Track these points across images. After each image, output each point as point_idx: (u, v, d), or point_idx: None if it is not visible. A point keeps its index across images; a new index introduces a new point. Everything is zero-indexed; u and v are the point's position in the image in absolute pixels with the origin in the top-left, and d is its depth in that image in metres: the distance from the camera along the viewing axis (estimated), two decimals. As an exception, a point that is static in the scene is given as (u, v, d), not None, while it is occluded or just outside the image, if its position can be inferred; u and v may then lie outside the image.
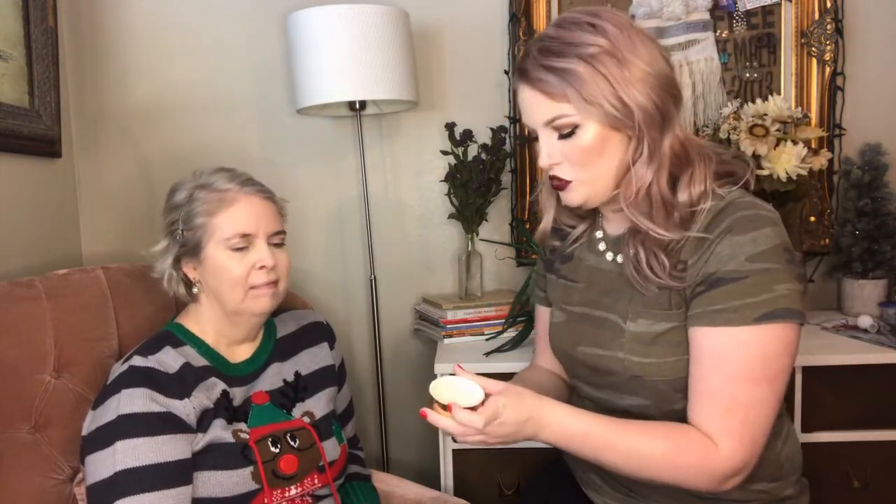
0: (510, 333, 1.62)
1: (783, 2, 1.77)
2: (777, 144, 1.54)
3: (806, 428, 1.42)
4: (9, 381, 1.10)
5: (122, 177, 1.84)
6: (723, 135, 1.61)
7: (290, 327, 1.31)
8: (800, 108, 1.69)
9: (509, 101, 1.83)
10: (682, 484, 0.93)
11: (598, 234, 1.10)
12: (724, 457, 0.90)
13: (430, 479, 1.56)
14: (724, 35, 1.79)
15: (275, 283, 1.15)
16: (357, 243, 1.88)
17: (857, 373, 1.40)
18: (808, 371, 1.40)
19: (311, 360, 1.29)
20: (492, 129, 1.74)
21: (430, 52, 1.83)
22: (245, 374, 1.19)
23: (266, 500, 1.10)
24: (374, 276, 1.77)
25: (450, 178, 1.74)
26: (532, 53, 0.95)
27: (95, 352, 1.21)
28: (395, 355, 1.90)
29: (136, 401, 1.04)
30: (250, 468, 1.09)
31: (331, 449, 1.21)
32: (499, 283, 1.90)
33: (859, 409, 1.42)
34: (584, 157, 0.95)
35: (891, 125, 1.79)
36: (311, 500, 1.18)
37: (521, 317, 1.62)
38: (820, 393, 1.41)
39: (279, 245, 1.18)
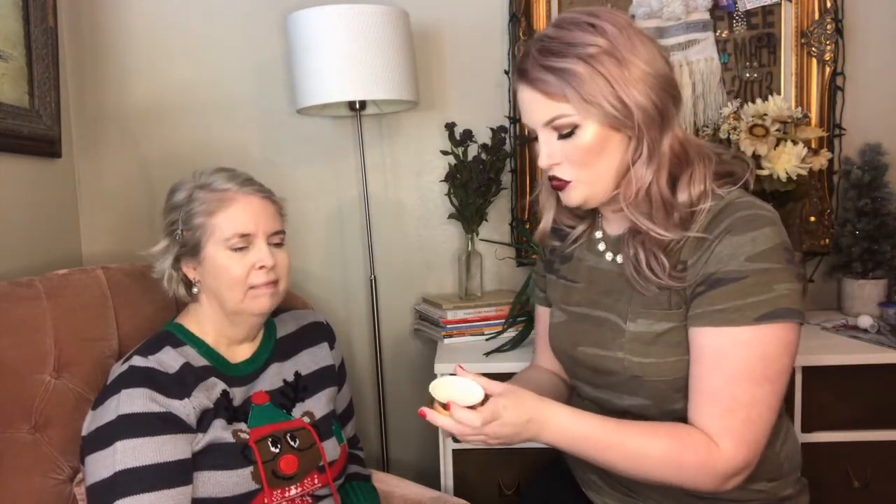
0: (510, 333, 1.62)
1: (783, 2, 1.77)
2: (777, 144, 1.54)
3: (806, 428, 1.42)
4: (9, 381, 1.10)
5: (122, 177, 1.84)
6: (723, 135, 1.61)
7: (290, 327, 1.31)
8: (800, 108, 1.69)
9: (509, 101, 1.83)
10: (684, 484, 0.93)
11: (598, 234, 1.10)
12: (725, 456, 0.90)
13: (430, 479, 1.56)
14: (724, 35, 1.79)
15: (274, 282, 1.15)
16: (357, 243, 1.88)
17: (857, 373, 1.40)
18: (808, 371, 1.40)
19: (311, 360, 1.29)
20: (492, 129, 1.74)
21: (430, 52, 1.83)
22: (245, 374, 1.19)
23: (266, 500, 1.10)
24: (374, 276, 1.77)
25: (450, 178, 1.74)
26: (531, 53, 0.95)
27: (95, 352, 1.21)
28: (395, 355, 1.90)
29: (136, 401, 1.04)
30: (250, 468, 1.09)
31: (331, 449, 1.21)
32: (499, 283, 1.90)
33: (859, 409, 1.42)
34: (583, 157, 0.95)
35: (891, 125, 1.79)
36: (311, 500, 1.18)
37: (521, 317, 1.62)
38: (820, 393, 1.41)
39: (279, 245, 1.17)
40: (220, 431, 1.09)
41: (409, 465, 1.92)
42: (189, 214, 1.13)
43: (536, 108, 0.96)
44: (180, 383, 1.09)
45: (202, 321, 1.18)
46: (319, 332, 1.34)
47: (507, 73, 1.82)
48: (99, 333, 1.23)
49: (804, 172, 1.53)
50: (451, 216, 1.81)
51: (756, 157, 1.53)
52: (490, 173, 1.73)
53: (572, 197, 1.00)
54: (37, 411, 1.12)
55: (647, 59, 0.93)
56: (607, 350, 1.02)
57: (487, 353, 1.53)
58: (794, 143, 1.53)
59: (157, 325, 1.23)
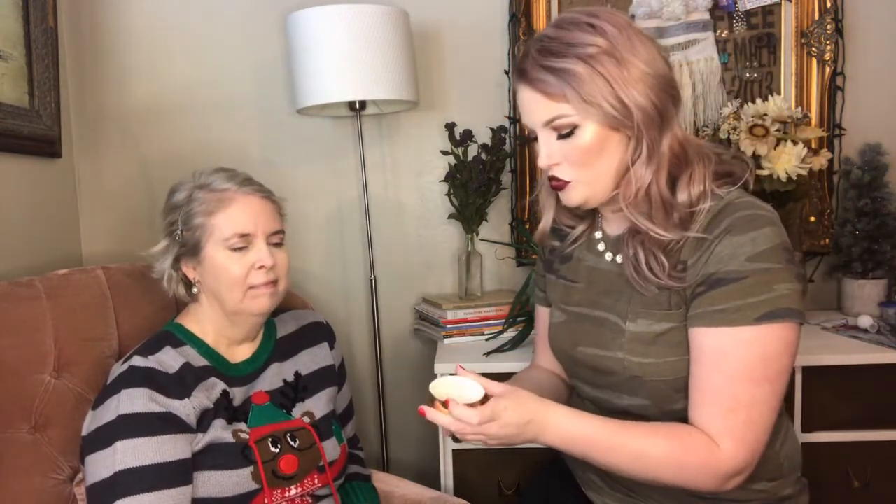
0: (510, 333, 1.62)
1: (783, 2, 1.77)
2: (777, 144, 1.54)
3: (806, 428, 1.42)
4: (9, 381, 1.10)
5: (122, 177, 1.84)
6: (723, 135, 1.61)
7: (290, 327, 1.31)
8: (800, 108, 1.69)
9: (509, 101, 1.83)
10: (685, 484, 0.93)
11: (598, 234, 1.10)
12: (726, 457, 0.90)
13: (430, 479, 1.56)
14: (724, 35, 1.79)
15: (274, 282, 1.15)
16: (357, 243, 1.88)
17: (857, 373, 1.40)
18: (808, 371, 1.40)
19: (311, 360, 1.29)
20: (492, 129, 1.74)
21: (430, 52, 1.83)
22: (245, 374, 1.19)
23: (266, 500, 1.10)
24: (374, 276, 1.77)
25: (450, 178, 1.74)
26: (531, 54, 0.95)
27: (95, 352, 1.21)
28: (395, 355, 1.90)
29: (136, 401, 1.04)
30: (250, 468, 1.09)
31: (331, 449, 1.21)
32: (499, 283, 1.90)
33: (859, 409, 1.42)
34: (583, 157, 0.95)
35: (891, 125, 1.79)
36: (311, 500, 1.18)
37: (521, 317, 1.62)
38: (820, 393, 1.41)
39: (278, 245, 1.17)
40: (220, 431, 1.09)
41: (409, 465, 1.92)
42: (188, 214, 1.13)
43: (536, 108, 0.96)
44: (180, 383, 1.09)
45: (202, 321, 1.18)
46: (319, 332, 1.34)
47: (507, 73, 1.82)
48: (99, 333, 1.23)
49: (804, 172, 1.53)
50: (451, 216, 1.81)
51: (756, 157, 1.53)
52: (490, 173, 1.73)
53: (572, 197, 1.00)
54: (37, 411, 1.12)
55: (646, 59, 0.93)
56: (607, 350, 1.02)
57: (487, 353, 1.53)
58: (794, 143, 1.53)
59: (157, 325, 1.23)
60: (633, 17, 1.77)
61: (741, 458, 0.90)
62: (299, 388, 1.24)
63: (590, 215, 1.11)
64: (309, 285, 1.86)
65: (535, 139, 0.99)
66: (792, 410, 1.40)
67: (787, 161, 1.52)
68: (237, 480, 1.08)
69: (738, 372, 0.90)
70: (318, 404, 1.24)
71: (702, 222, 0.94)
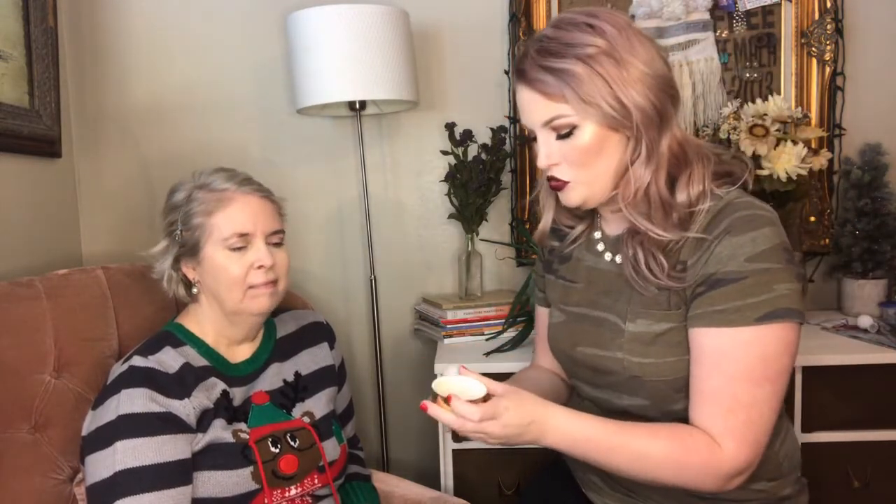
0: (510, 333, 1.62)
1: (783, 2, 1.77)
2: (777, 144, 1.54)
3: (806, 428, 1.42)
4: (9, 381, 1.10)
5: (122, 177, 1.84)
6: (723, 135, 1.61)
7: (290, 327, 1.31)
8: (800, 108, 1.69)
9: (509, 101, 1.83)
10: (686, 484, 0.93)
11: (597, 234, 1.10)
12: (728, 457, 0.90)
13: (430, 479, 1.56)
14: (724, 35, 1.79)
15: (273, 282, 1.15)
16: (357, 243, 1.88)
17: (857, 373, 1.40)
18: (808, 371, 1.40)
19: (311, 360, 1.29)
20: (492, 129, 1.74)
21: (430, 52, 1.83)
22: (245, 374, 1.19)
23: (266, 500, 1.10)
24: (374, 276, 1.77)
25: (450, 178, 1.74)
26: (530, 54, 0.95)
27: (95, 352, 1.21)
28: (395, 355, 1.90)
29: (136, 401, 1.04)
30: (250, 468, 1.09)
31: (331, 449, 1.21)
32: (499, 283, 1.90)
33: (859, 409, 1.42)
34: (582, 157, 0.95)
35: (891, 125, 1.79)
36: (311, 500, 1.18)
37: (521, 317, 1.62)
38: (820, 393, 1.41)
39: (278, 244, 1.17)
40: (220, 431, 1.09)
41: (409, 465, 1.92)
42: (188, 215, 1.13)
43: (535, 108, 0.96)
44: (180, 383, 1.09)
45: (202, 321, 1.18)
46: (319, 332, 1.34)
47: (507, 73, 1.82)
48: (99, 333, 1.23)
49: (804, 172, 1.53)
50: (451, 216, 1.81)
51: (756, 157, 1.53)
52: (490, 173, 1.73)
53: (571, 197, 1.00)
54: (37, 411, 1.12)
55: (645, 59, 0.93)
56: (606, 350, 1.02)
57: (487, 353, 1.53)
58: (794, 143, 1.53)
59: (157, 325, 1.23)
60: (633, 17, 1.77)
61: (742, 458, 0.90)
62: (299, 388, 1.24)
63: (589, 215, 1.11)
64: (309, 285, 1.86)
65: (535, 139, 0.99)
66: (792, 410, 1.40)
67: (787, 161, 1.52)
68: (237, 480, 1.08)
69: (738, 372, 0.90)
70: (318, 404, 1.24)
71: (701, 222, 0.94)
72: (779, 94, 1.77)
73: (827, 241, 1.79)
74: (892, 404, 1.41)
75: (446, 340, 1.65)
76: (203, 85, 1.83)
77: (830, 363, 1.40)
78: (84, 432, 1.08)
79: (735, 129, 1.58)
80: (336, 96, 1.56)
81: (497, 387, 0.94)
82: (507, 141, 1.78)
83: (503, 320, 1.65)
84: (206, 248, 1.12)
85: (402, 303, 1.90)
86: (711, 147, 1.02)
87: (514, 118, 1.81)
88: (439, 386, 0.93)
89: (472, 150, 1.75)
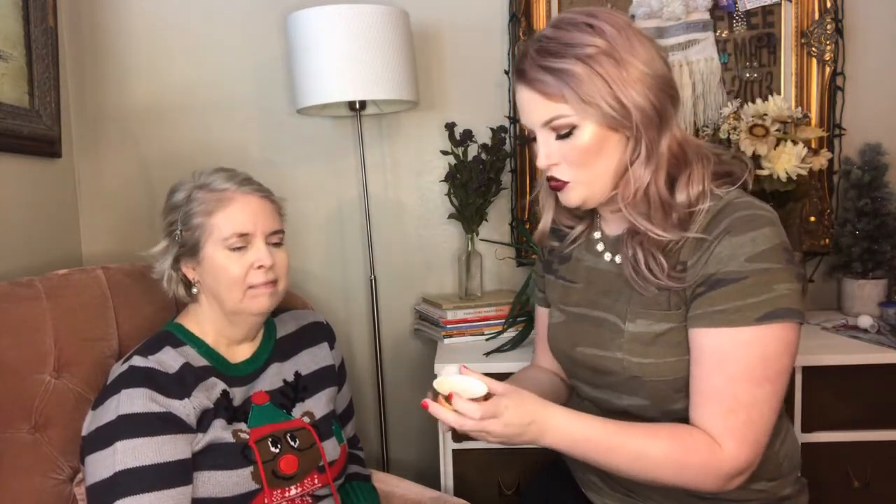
0: (510, 333, 1.62)
1: (783, 2, 1.77)
2: (777, 144, 1.54)
3: (806, 428, 1.42)
4: (9, 381, 1.10)
5: (122, 177, 1.84)
6: (723, 135, 1.61)
7: (290, 327, 1.31)
8: (800, 108, 1.69)
9: (509, 101, 1.83)
10: (686, 484, 0.93)
11: (597, 234, 1.10)
12: (728, 457, 0.90)
13: (430, 479, 1.56)
14: (724, 35, 1.79)
15: (273, 282, 1.15)
16: (357, 243, 1.88)
17: (857, 373, 1.40)
18: (808, 371, 1.40)
19: (311, 360, 1.29)
20: (492, 129, 1.74)
21: (430, 52, 1.83)
22: (245, 374, 1.19)
23: (266, 500, 1.10)
24: (374, 276, 1.77)
25: (450, 178, 1.74)
26: (530, 54, 0.95)
27: (95, 352, 1.21)
28: (395, 355, 1.90)
29: (136, 401, 1.04)
30: (250, 468, 1.09)
31: (331, 449, 1.21)
32: (499, 283, 1.90)
33: (859, 409, 1.42)
34: (581, 157, 0.95)
35: (891, 125, 1.79)
36: (311, 500, 1.18)
37: (521, 317, 1.62)
38: (820, 393, 1.41)
39: (278, 244, 1.17)
40: (220, 431, 1.09)
41: (409, 465, 1.92)
42: (188, 215, 1.13)
43: (535, 108, 0.96)
44: (180, 383, 1.09)
45: (202, 321, 1.18)
46: (319, 332, 1.34)
47: (507, 73, 1.82)
48: (99, 333, 1.23)
49: (804, 172, 1.53)
50: (451, 216, 1.81)
51: (756, 157, 1.53)
52: (490, 173, 1.73)
53: (571, 197, 1.00)
54: (37, 411, 1.12)
55: (645, 59, 0.93)
56: (606, 350, 1.02)
57: (487, 353, 1.53)
58: (794, 143, 1.53)
59: (157, 325, 1.23)
60: (633, 17, 1.77)
61: (743, 458, 0.90)
62: (299, 388, 1.24)
63: (589, 216, 1.11)
64: (309, 285, 1.86)
65: (535, 139, 0.99)
66: (792, 410, 1.40)
67: (787, 161, 1.52)
68: (237, 480, 1.08)
69: (738, 372, 0.90)
70: (318, 404, 1.24)
71: (701, 223, 0.94)
72: (779, 94, 1.77)
73: (827, 241, 1.79)
74: (892, 404, 1.41)
75: (446, 340, 1.65)
76: (203, 85, 1.83)
77: (830, 363, 1.40)
78: (84, 432, 1.09)
79: (735, 129, 1.58)
80: (336, 96, 1.56)
81: (498, 386, 0.94)
82: (507, 141, 1.78)
83: (503, 320, 1.65)
84: (205, 248, 1.12)
85: (402, 303, 1.90)
86: (711, 147, 1.02)
87: (514, 118, 1.81)
88: (441, 385, 0.93)
89: (472, 150, 1.75)
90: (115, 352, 1.24)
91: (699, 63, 1.79)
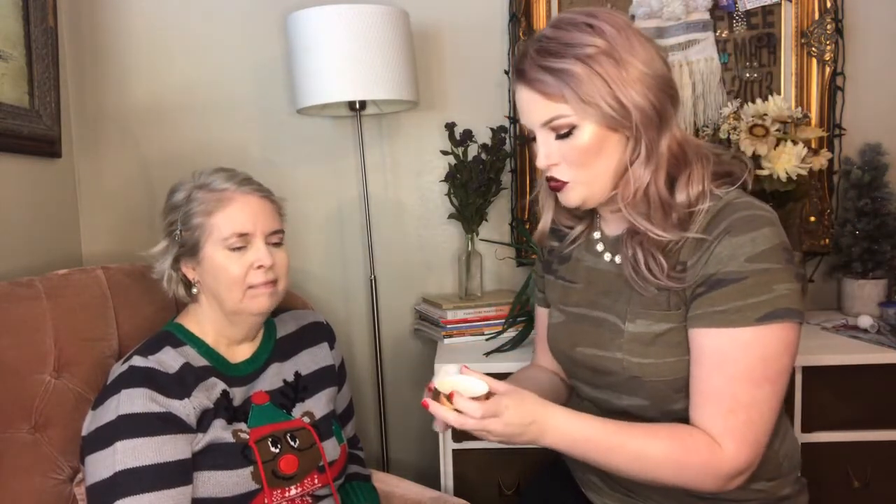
0: (510, 333, 1.62)
1: (783, 2, 1.77)
2: (777, 144, 1.54)
3: (806, 428, 1.42)
4: (9, 381, 1.10)
5: (122, 177, 1.84)
6: (723, 135, 1.61)
7: (290, 327, 1.31)
8: (800, 108, 1.69)
9: (509, 101, 1.83)
10: (686, 484, 0.93)
11: (596, 234, 1.10)
12: (728, 457, 0.90)
13: (430, 479, 1.56)
14: (724, 35, 1.79)
15: (273, 282, 1.15)
16: (357, 243, 1.88)
17: (857, 373, 1.40)
18: (808, 371, 1.40)
19: (311, 360, 1.29)
20: (492, 129, 1.74)
21: (430, 52, 1.83)
22: (245, 374, 1.19)
23: (266, 500, 1.10)
24: (374, 276, 1.77)
25: (450, 178, 1.74)
26: (529, 54, 0.95)
27: (95, 352, 1.21)
28: (395, 355, 1.90)
29: (136, 401, 1.04)
30: (250, 468, 1.09)
31: (331, 449, 1.21)
32: (499, 283, 1.90)
33: (859, 409, 1.42)
34: (581, 157, 0.95)
35: (891, 125, 1.79)
36: (311, 500, 1.18)
37: (521, 317, 1.62)
38: (820, 393, 1.41)
39: (278, 244, 1.17)
40: (220, 431, 1.09)
41: (409, 465, 1.92)
42: (188, 215, 1.13)
43: (534, 108, 0.96)
44: (180, 383, 1.09)
45: (202, 321, 1.18)
46: (319, 332, 1.34)
47: (507, 73, 1.82)
48: (99, 333, 1.23)
49: (804, 172, 1.53)
50: (451, 216, 1.81)
51: (756, 157, 1.53)
52: (490, 173, 1.73)
53: (570, 197, 1.00)
54: (37, 411, 1.12)
55: (644, 59, 0.93)
56: (606, 350, 1.02)
57: (487, 353, 1.53)
58: (794, 143, 1.53)
59: (157, 325, 1.23)
60: (633, 17, 1.77)
61: (743, 458, 0.90)
62: (299, 388, 1.24)
63: (588, 216, 1.11)
64: (309, 285, 1.86)
65: (534, 139, 0.99)
66: (792, 410, 1.40)
67: (787, 161, 1.52)
68: (237, 480, 1.08)
69: (738, 373, 0.90)
70: (318, 404, 1.24)
71: (701, 223, 0.94)
72: (779, 94, 1.77)
73: (827, 241, 1.79)
74: (892, 404, 1.41)
75: (446, 340, 1.65)
76: (203, 85, 1.83)
77: (830, 363, 1.40)
78: (84, 432, 1.09)
79: (735, 129, 1.58)
80: (336, 96, 1.56)
81: (499, 385, 0.94)
82: (507, 141, 1.78)
83: (503, 320, 1.65)
84: (205, 247, 1.12)
85: (402, 303, 1.90)
86: (711, 147, 1.02)
87: (514, 118, 1.81)
88: (442, 384, 0.93)
89: (472, 150, 1.75)
90: (115, 352, 1.24)
91: (699, 63, 1.79)
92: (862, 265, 1.72)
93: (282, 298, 1.19)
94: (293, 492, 1.14)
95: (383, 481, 1.40)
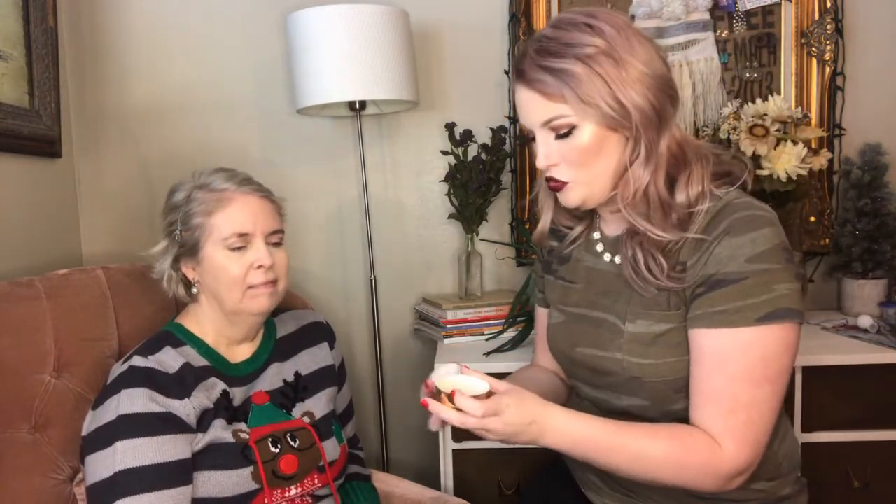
0: (510, 333, 1.62)
1: (783, 2, 1.77)
2: (777, 144, 1.54)
3: (806, 428, 1.42)
4: (9, 381, 1.10)
5: (122, 177, 1.84)
6: (723, 135, 1.61)
7: (290, 327, 1.31)
8: (800, 108, 1.69)
9: (509, 101, 1.83)
10: (686, 484, 0.93)
11: (596, 234, 1.10)
12: (728, 457, 0.90)
13: (430, 479, 1.56)
14: (724, 35, 1.79)
15: (273, 282, 1.15)
16: (357, 243, 1.88)
17: (857, 373, 1.40)
18: (808, 371, 1.40)
19: (311, 360, 1.29)
20: (492, 129, 1.74)
21: (430, 52, 1.83)
22: (245, 374, 1.19)
23: (266, 500, 1.10)
24: (374, 276, 1.77)
25: (450, 178, 1.74)
26: (529, 54, 0.95)
27: (95, 352, 1.21)
28: (395, 355, 1.90)
29: (136, 401, 1.04)
30: (250, 468, 1.09)
31: (331, 449, 1.21)
32: (499, 283, 1.90)
33: (859, 409, 1.42)
34: (581, 157, 0.95)
35: (891, 125, 1.79)
36: (311, 500, 1.18)
37: (521, 317, 1.62)
38: (820, 393, 1.41)
39: (278, 244, 1.17)
40: (220, 431, 1.09)
41: (409, 465, 1.92)
42: (188, 215, 1.13)
43: (534, 108, 0.96)
44: (180, 383, 1.09)
45: (202, 321, 1.19)
46: (319, 332, 1.34)
47: (507, 73, 1.82)
48: (99, 333, 1.23)
49: (804, 172, 1.53)
50: (451, 216, 1.81)
51: (756, 157, 1.53)
52: (490, 173, 1.73)
53: (570, 198, 1.00)
54: (37, 411, 1.12)
55: (644, 59, 0.92)
56: (606, 351, 1.02)
57: (487, 353, 1.53)
58: (794, 143, 1.53)
59: (157, 325, 1.23)
60: (632, 17, 1.77)
61: (743, 458, 0.90)
62: (299, 388, 1.24)
63: (588, 216, 1.11)
64: (309, 285, 1.86)
65: (534, 139, 0.99)
66: (792, 410, 1.40)
67: (787, 161, 1.52)
68: (237, 480, 1.08)
69: (738, 373, 0.90)
70: (318, 404, 1.24)
71: (700, 223, 0.94)
72: (779, 94, 1.77)
73: (827, 241, 1.79)
74: (892, 404, 1.41)
75: (446, 340, 1.65)
76: (203, 85, 1.83)
77: (830, 363, 1.40)
78: (84, 432, 1.09)
79: (735, 129, 1.58)
80: (336, 96, 1.56)
81: (500, 385, 0.94)
82: (507, 141, 1.78)
83: (503, 320, 1.65)
84: (205, 247, 1.12)
85: (402, 303, 1.90)
86: (711, 147, 1.02)
87: (514, 118, 1.81)
88: (443, 383, 0.93)
89: (472, 150, 1.75)
90: (115, 352, 1.24)
91: (699, 63, 1.79)
92: (862, 265, 1.72)
93: (282, 298, 1.19)
94: (293, 492, 1.14)
95: (383, 481, 1.40)
